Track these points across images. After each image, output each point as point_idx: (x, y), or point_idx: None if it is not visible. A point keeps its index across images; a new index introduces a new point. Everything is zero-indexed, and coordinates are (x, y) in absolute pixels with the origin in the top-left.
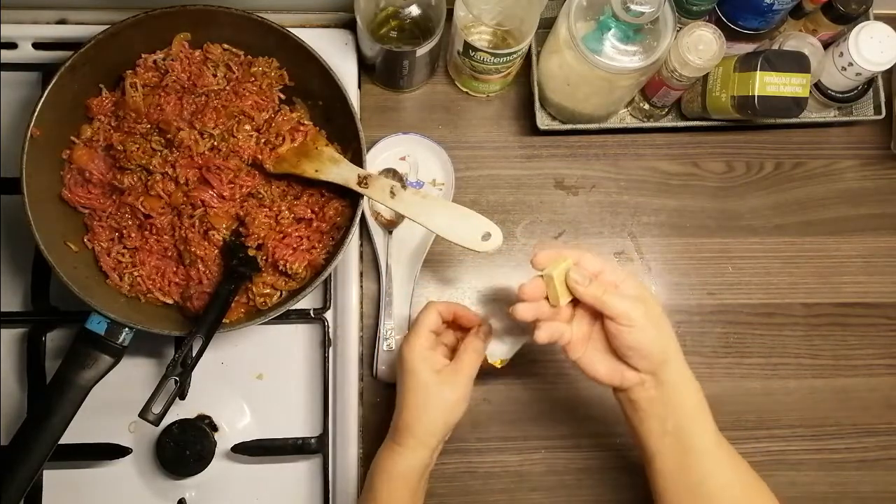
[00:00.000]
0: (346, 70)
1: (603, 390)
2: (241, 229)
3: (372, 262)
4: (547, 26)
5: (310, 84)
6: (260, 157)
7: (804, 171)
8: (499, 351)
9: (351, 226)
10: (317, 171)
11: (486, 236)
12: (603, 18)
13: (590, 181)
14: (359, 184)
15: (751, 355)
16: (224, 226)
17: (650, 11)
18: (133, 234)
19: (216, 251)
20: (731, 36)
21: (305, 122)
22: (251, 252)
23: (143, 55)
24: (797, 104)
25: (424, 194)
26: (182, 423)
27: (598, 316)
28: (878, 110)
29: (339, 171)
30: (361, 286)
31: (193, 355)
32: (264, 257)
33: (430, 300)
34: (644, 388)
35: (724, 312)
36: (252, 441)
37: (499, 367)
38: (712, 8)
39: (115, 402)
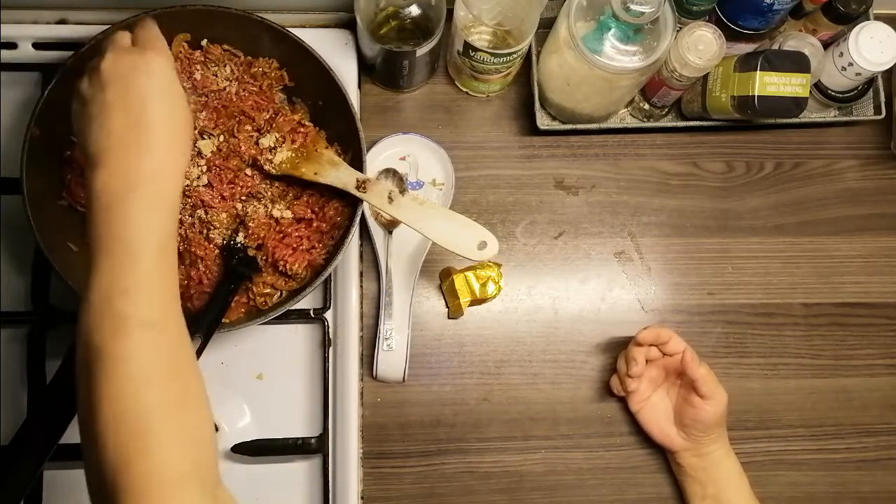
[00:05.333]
0: (346, 70)
1: (604, 391)
2: (240, 229)
3: (372, 262)
4: (547, 26)
5: (310, 84)
6: (259, 158)
7: (804, 171)
8: None
9: (351, 226)
10: (316, 173)
11: (482, 245)
12: (603, 18)
13: (590, 181)
14: (357, 188)
15: (751, 355)
16: (224, 226)
17: (650, 11)
18: None
19: (216, 251)
20: (731, 36)
21: (306, 124)
22: (251, 252)
23: None
24: (797, 104)
25: (422, 200)
26: None
27: (661, 382)
28: (878, 110)
29: (338, 174)
30: (361, 286)
31: None
32: (264, 257)
33: None
34: (689, 454)
35: (724, 312)
36: (252, 441)
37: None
38: (712, 8)
39: None
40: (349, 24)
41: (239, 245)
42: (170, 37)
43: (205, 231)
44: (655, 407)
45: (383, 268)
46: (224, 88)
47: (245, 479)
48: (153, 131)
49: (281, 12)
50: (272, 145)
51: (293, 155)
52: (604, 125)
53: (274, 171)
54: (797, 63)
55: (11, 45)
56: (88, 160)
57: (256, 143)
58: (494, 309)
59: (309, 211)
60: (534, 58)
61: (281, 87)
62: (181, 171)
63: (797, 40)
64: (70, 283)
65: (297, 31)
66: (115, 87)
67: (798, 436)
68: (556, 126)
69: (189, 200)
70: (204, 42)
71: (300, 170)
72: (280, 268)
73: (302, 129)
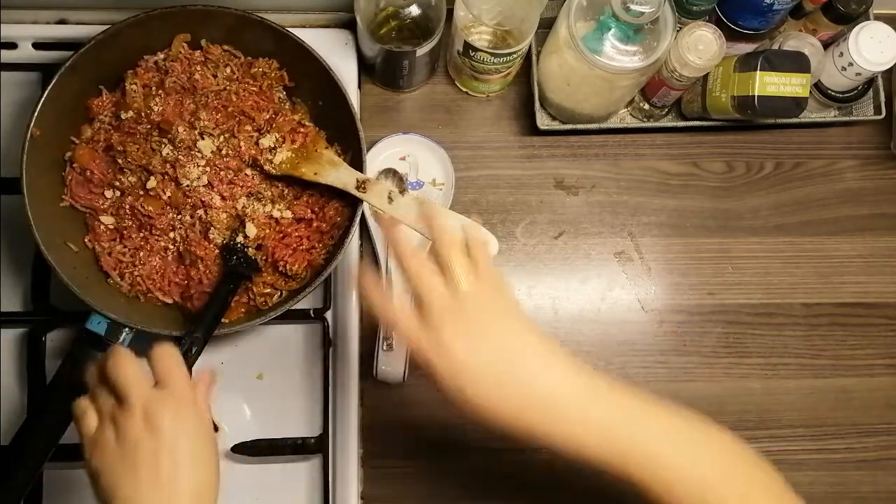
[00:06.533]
0: (346, 70)
1: None
2: (240, 230)
3: (372, 262)
4: (547, 26)
5: (310, 84)
6: (259, 158)
7: (804, 171)
8: None
9: (351, 226)
10: (316, 174)
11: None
12: (603, 18)
13: (590, 181)
14: (357, 188)
15: (751, 355)
16: (224, 226)
17: (650, 11)
18: (133, 235)
19: (216, 251)
20: (731, 36)
21: (306, 124)
22: (250, 252)
23: (144, 56)
24: (797, 104)
25: (422, 200)
26: None
27: None
28: (878, 110)
29: (338, 174)
30: None
31: (192, 354)
32: (264, 257)
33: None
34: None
35: (724, 312)
36: (252, 441)
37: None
38: (712, 8)
39: None
40: (349, 24)
41: (239, 245)
42: (170, 37)
43: (205, 231)
44: None
45: (383, 268)
46: (224, 88)
47: (245, 479)
48: (180, 493)
49: (281, 12)
50: (272, 145)
51: (293, 155)
52: (604, 125)
53: (274, 172)
54: (797, 63)
55: (11, 45)
56: None
57: (256, 144)
58: None
59: (309, 211)
60: (534, 58)
61: (281, 88)
62: None
63: (797, 40)
64: (70, 283)
65: (297, 31)
66: (144, 450)
67: (798, 436)
68: (556, 126)
69: (189, 200)
70: (204, 42)
71: (300, 170)
72: (280, 268)
73: (302, 129)
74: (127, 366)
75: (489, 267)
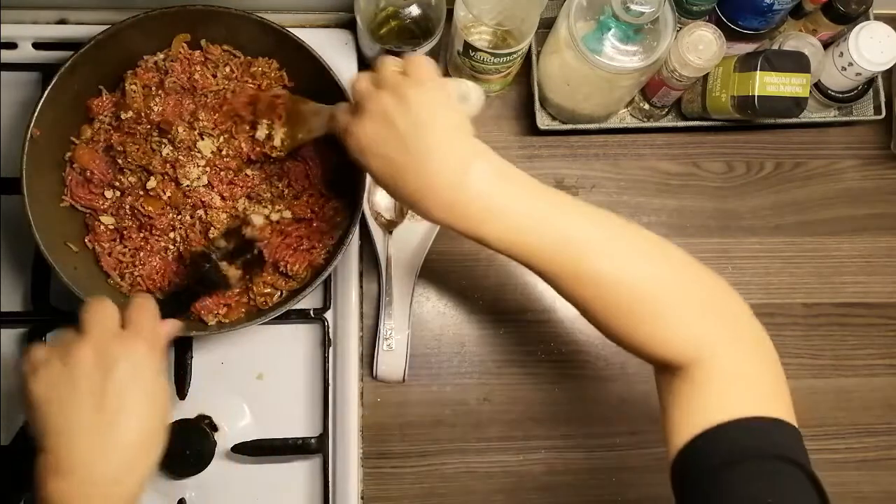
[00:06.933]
0: (346, 70)
1: (604, 391)
2: (231, 238)
3: (372, 262)
4: (547, 26)
5: (310, 84)
6: (264, 151)
7: (804, 171)
8: None
9: (351, 226)
10: (309, 131)
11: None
12: (603, 18)
13: (590, 181)
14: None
15: None
16: (224, 226)
17: (650, 11)
18: (133, 235)
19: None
20: (731, 36)
21: (278, 93)
22: (224, 270)
23: (144, 56)
24: (797, 104)
25: None
26: (182, 423)
27: None
28: (878, 110)
29: (321, 118)
30: (361, 286)
31: None
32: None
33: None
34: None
35: None
36: (252, 441)
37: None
38: (712, 8)
39: None
40: (349, 24)
41: (214, 254)
42: (170, 37)
43: (205, 231)
44: None
45: (383, 268)
46: (223, 88)
47: (245, 479)
48: (124, 431)
49: (281, 12)
50: (268, 132)
51: (287, 129)
52: (604, 125)
53: (283, 154)
54: (797, 63)
55: (11, 45)
56: (42, 449)
57: (254, 140)
58: (495, 309)
59: (309, 211)
60: (534, 58)
61: (281, 88)
62: (144, 481)
63: (797, 40)
64: (70, 283)
65: (297, 31)
66: (92, 379)
67: None
68: (556, 126)
69: (189, 200)
70: (203, 42)
71: (298, 137)
72: (280, 268)
73: (279, 101)
74: (98, 307)
75: (418, 65)
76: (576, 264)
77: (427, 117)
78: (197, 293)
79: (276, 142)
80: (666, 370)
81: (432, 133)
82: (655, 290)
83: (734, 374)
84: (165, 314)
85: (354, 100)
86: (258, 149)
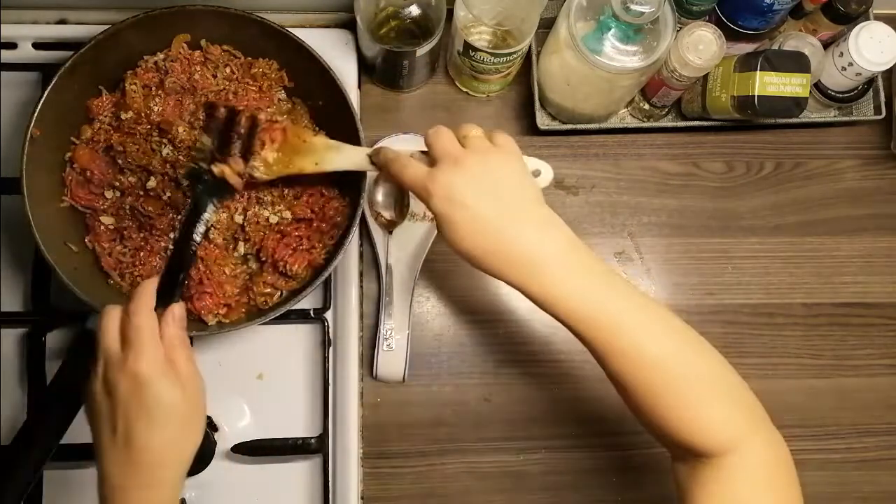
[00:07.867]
0: (346, 70)
1: (604, 391)
2: (241, 229)
3: (372, 262)
4: (547, 26)
5: (310, 84)
6: (243, 172)
7: (804, 171)
8: None
9: (351, 226)
10: (317, 164)
11: (536, 173)
12: (603, 18)
13: (590, 181)
14: (373, 163)
15: (750, 355)
16: (224, 226)
17: (650, 11)
18: (133, 235)
19: (217, 251)
20: (731, 36)
21: (277, 119)
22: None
23: (144, 57)
24: (797, 104)
25: None
26: None
27: None
28: (878, 110)
29: (344, 157)
30: (361, 286)
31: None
32: (264, 258)
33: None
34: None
35: (723, 312)
36: (252, 441)
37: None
38: (712, 8)
39: None
40: (349, 24)
41: (204, 169)
42: (170, 37)
43: (205, 231)
44: None
45: (383, 268)
46: (223, 89)
47: (245, 479)
48: (138, 450)
49: (281, 12)
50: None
51: (281, 154)
52: (604, 125)
53: (267, 177)
54: (797, 63)
55: (11, 45)
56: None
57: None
58: (495, 308)
59: (309, 211)
60: (534, 58)
61: (281, 88)
62: (179, 476)
63: (797, 40)
64: (70, 283)
65: (297, 31)
66: (103, 406)
67: (798, 436)
68: (556, 126)
69: (189, 201)
70: (204, 42)
71: (296, 166)
72: (280, 268)
73: (277, 126)
74: (100, 330)
75: (505, 138)
76: (623, 341)
77: (510, 182)
78: (188, 259)
79: (257, 163)
80: (688, 457)
81: (513, 197)
82: (698, 376)
83: (761, 464)
84: (164, 300)
85: (434, 153)
86: (240, 168)
